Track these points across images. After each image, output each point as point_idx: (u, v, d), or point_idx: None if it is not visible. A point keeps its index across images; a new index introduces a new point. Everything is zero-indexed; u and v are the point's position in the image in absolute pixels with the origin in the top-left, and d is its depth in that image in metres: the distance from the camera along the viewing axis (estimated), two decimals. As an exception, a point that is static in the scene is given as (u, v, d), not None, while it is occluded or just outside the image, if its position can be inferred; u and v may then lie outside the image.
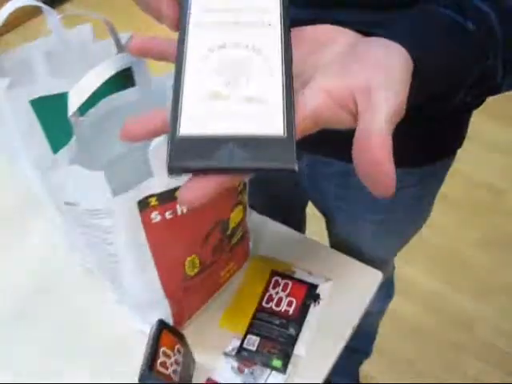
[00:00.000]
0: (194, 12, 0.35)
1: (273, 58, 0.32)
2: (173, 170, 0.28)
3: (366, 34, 0.36)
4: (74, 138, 0.51)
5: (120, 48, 0.58)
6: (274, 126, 0.29)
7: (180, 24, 0.35)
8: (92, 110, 0.52)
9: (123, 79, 0.54)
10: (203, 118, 0.29)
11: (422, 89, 0.36)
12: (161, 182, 0.51)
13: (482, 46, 0.40)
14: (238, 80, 0.31)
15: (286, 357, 0.66)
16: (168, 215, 0.54)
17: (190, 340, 0.64)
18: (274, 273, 0.74)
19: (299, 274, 0.74)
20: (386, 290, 1.13)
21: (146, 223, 0.54)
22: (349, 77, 0.32)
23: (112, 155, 0.57)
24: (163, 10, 0.36)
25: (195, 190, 0.28)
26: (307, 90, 0.32)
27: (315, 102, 0.31)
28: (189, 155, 0.28)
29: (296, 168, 0.28)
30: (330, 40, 0.36)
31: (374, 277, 0.73)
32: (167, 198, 0.53)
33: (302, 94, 0.32)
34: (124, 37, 0.59)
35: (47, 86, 0.56)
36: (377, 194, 0.31)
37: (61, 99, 0.50)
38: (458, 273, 1.64)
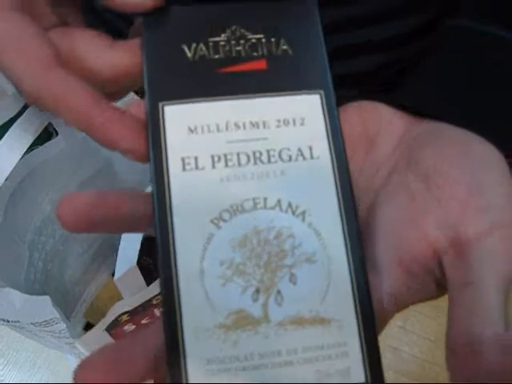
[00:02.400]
0: (173, 135, 0.21)
1: (329, 226, 0.20)
2: None
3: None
4: None
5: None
6: (349, 369, 0.19)
7: (151, 163, 0.21)
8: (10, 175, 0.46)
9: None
10: (226, 370, 0.19)
11: None
12: (132, 301, 0.46)
13: None
14: (274, 283, 0.20)
15: None
16: (145, 321, 0.50)
17: None
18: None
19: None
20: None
21: (117, 336, 0.49)
22: (424, 222, 0.21)
23: (41, 215, 0.53)
24: (117, 139, 0.21)
25: None
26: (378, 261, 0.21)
27: (391, 284, 0.21)
28: None
29: None
30: (376, 134, 0.25)
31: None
32: (142, 310, 0.48)
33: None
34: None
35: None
36: None
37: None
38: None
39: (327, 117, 0.21)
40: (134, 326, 0.49)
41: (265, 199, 0.20)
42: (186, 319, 0.19)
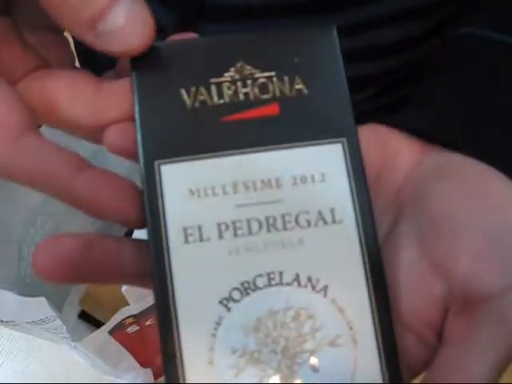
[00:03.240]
0: (172, 200, 0.18)
1: (354, 305, 0.18)
2: None
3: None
4: None
5: None
6: None
7: (148, 234, 0.18)
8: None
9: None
10: None
11: None
12: (138, 307, 0.45)
13: None
14: (294, 371, 0.17)
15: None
16: (149, 322, 0.48)
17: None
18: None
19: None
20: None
21: (120, 337, 0.48)
22: (434, 281, 0.19)
23: (30, 206, 0.51)
24: (107, 207, 0.18)
25: None
26: None
27: (406, 356, 0.18)
28: None
29: None
30: (383, 166, 0.21)
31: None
32: (147, 312, 0.47)
33: None
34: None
35: None
36: None
37: None
38: None
39: (351, 171, 0.18)
40: (137, 327, 0.48)
41: (280, 274, 0.18)
42: None
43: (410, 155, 0.21)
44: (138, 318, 0.46)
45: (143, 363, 0.53)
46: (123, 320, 0.46)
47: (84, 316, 0.56)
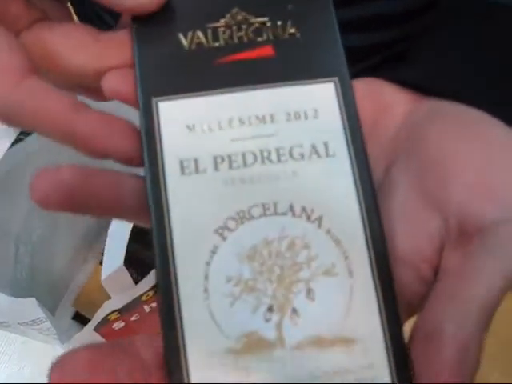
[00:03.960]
0: (169, 135, 0.18)
1: (348, 233, 0.18)
2: None
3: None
4: None
5: None
6: None
7: (146, 166, 0.18)
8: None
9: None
10: None
11: None
12: (120, 299, 0.46)
13: None
14: (288, 300, 0.17)
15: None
16: (134, 318, 0.49)
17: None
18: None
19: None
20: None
21: (106, 333, 0.48)
22: (430, 213, 0.19)
23: (23, 211, 0.52)
24: (105, 145, 0.18)
25: None
26: None
27: (403, 292, 0.18)
28: None
29: None
30: (378, 115, 0.22)
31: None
32: (131, 307, 0.47)
33: None
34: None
35: None
36: None
37: None
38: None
39: (343, 107, 0.19)
40: (123, 324, 0.48)
41: (275, 204, 0.18)
42: (189, 345, 0.17)
43: (405, 104, 0.22)
44: (122, 313, 0.47)
45: None
46: (108, 315, 0.46)
47: (78, 317, 0.56)
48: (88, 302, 0.56)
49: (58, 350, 0.52)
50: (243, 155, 0.18)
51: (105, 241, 0.52)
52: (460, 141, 0.20)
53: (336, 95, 0.19)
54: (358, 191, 0.18)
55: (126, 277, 0.45)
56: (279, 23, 0.19)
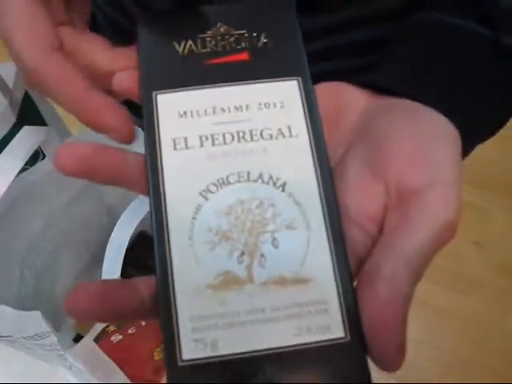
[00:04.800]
0: (165, 120, 0.23)
1: (306, 196, 0.22)
2: None
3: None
4: None
5: (3, 88, 0.49)
6: (329, 324, 0.21)
7: (146, 145, 0.23)
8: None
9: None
10: (215, 325, 0.21)
11: (468, 153, 0.27)
12: None
13: None
14: (257, 247, 0.22)
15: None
16: (131, 331, 0.51)
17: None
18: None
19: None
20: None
21: (105, 346, 0.50)
22: (374, 182, 0.23)
23: (30, 233, 0.55)
24: (106, 121, 0.23)
25: None
26: None
27: (353, 248, 0.22)
28: None
29: (371, 382, 0.20)
30: (342, 109, 0.27)
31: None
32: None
33: None
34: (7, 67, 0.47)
35: None
36: (377, 363, 0.21)
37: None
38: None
39: (305, 100, 0.24)
40: (121, 336, 0.50)
41: (248, 173, 0.22)
42: (177, 280, 0.21)
43: (363, 101, 0.27)
44: (119, 325, 0.48)
45: (131, 375, 0.54)
46: (106, 327, 0.48)
47: (79, 340, 0.58)
48: (89, 324, 0.59)
49: (59, 370, 0.55)
50: (223, 135, 0.23)
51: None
52: (402, 127, 0.24)
53: (299, 90, 0.24)
54: (315, 164, 0.23)
55: None
56: (254, 34, 0.25)
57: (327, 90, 0.26)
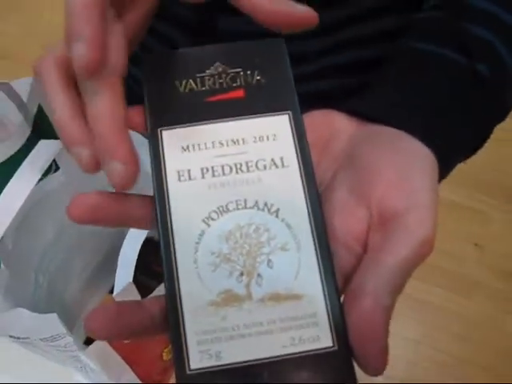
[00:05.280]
0: (170, 153, 0.26)
1: (297, 221, 0.25)
2: None
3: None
4: (2, 268, 0.50)
5: (19, 103, 0.52)
6: (320, 335, 0.24)
7: (153, 177, 0.26)
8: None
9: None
10: (218, 338, 0.23)
11: (447, 173, 0.31)
12: None
13: (500, 95, 0.33)
14: (254, 268, 0.24)
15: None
16: None
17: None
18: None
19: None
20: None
21: (117, 345, 0.53)
22: (359, 206, 0.26)
23: (44, 241, 0.57)
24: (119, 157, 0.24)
25: None
26: None
27: (341, 265, 0.25)
28: None
29: None
30: (330, 136, 0.29)
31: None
32: None
33: None
34: (22, 83, 0.52)
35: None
36: (363, 368, 0.23)
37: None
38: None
39: (295, 132, 0.26)
40: None
41: (245, 201, 0.25)
42: (184, 299, 0.24)
43: (350, 128, 0.29)
44: None
45: (140, 375, 0.57)
46: None
47: (90, 342, 0.61)
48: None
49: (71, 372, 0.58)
50: (222, 167, 0.26)
51: (114, 276, 0.58)
52: (384, 155, 0.27)
53: (290, 123, 0.26)
54: (304, 190, 0.25)
55: (135, 293, 0.49)
56: (249, 73, 0.27)
57: (318, 119, 0.29)
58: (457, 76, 0.31)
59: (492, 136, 0.34)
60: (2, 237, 0.45)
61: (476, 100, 0.31)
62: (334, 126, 0.30)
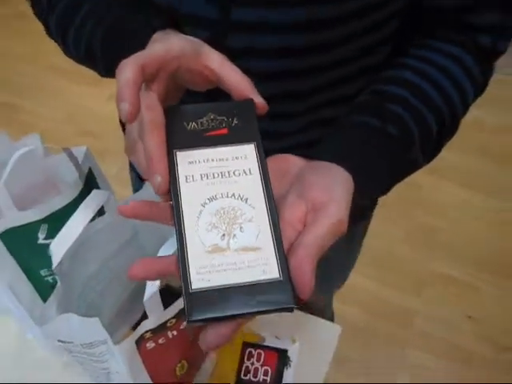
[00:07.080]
0: (181, 165, 0.41)
1: (258, 205, 0.39)
2: (192, 322, 0.35)
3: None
4: (58, 285, 0.58)
5: (76, 164, 0.65)
6: (271, 271, 0.37)
7: (171, 179, 0.40)
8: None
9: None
10: (209, 271, 0.37)
11: (364, 196, 0.45)
12: (154, 320, 0.60)
13: (405, 145, 0.50)
14: (231, 231, 0.38)
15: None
16: (161, 341, 0.63)
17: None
18: (246, 345, 0.80)
19: (268, 341, 0.81)
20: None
21: (142, 351, 0.62)
22: (299, 210, 0.41)
23: (88, 272, 0.65)
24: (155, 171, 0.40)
25: (216, 337, 0.36)
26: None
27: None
28: (203, 307, 0.35)
29: (294, 306, 0.36)
30: (287, 168, 0.45)
31: (335, 331, 0.83)
32: (160, 329, 0.61)
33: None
34: (78, 150, 0.66)
35: (12, 218, 0.61)
36: (298, 292, 0.37)
37: (28, 228, 0.60)
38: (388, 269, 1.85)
39: (258, 155, 0.43)
40: (153, 344, 0.62)
41: (227, 193, 0.41)
42: (189, 248, 0.39)
43: (300, 163, 0.46)
44: (154, 334, 0.59)
45: (155, 382, 0.65)
46: (144, 333, 0.59)
47: None
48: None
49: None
50: (213, 174, 0.42)
51: (140, 312, 0.69)
52: (319, 177, 0.43)
53: (255, 149, 0.43)
54: (263, 188, 0.41)
55: (159, 302, 0.58)
56: (230, 119, 0.45)
57: (279, 158, 0.47)
58: (372, 133, 0.49)
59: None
60: (61, 260, 0.55)
61: (385, 146, 0.49)
62: (289, 163, 0.47)
